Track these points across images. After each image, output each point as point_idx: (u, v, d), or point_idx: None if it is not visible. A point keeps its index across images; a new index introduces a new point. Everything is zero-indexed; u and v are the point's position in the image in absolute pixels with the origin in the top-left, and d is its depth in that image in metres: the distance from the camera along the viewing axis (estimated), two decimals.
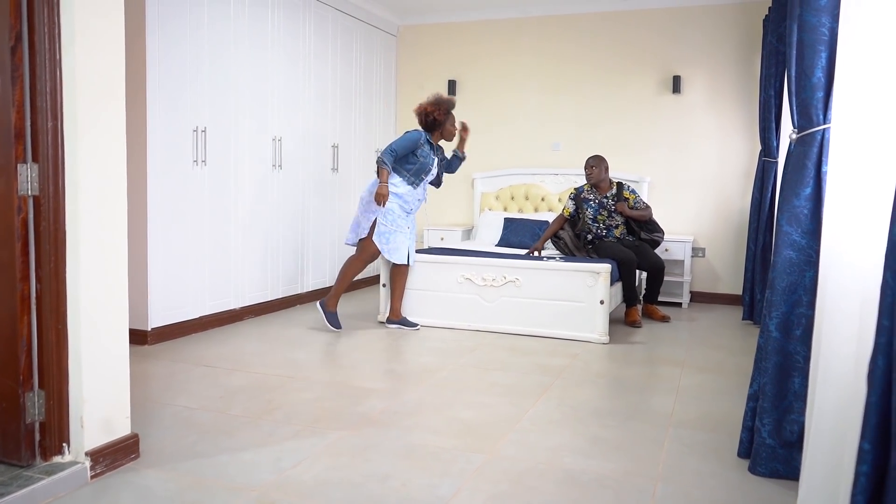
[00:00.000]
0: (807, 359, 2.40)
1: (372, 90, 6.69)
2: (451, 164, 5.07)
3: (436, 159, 4.83)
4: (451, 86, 6.89)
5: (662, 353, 4.37)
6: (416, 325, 4.91)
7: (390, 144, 4.67)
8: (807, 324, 2.41)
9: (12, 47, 2.23)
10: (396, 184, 4.70)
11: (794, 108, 2.88)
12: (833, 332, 1.92)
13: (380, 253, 4.74)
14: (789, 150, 3.07)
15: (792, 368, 2.45)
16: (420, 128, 4.81)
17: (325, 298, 4.82)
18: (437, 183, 5.02)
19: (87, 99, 2.35)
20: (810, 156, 2.40)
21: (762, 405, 2.49)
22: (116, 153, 2.47)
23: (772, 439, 2.47)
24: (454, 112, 4.90)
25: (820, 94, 2.35)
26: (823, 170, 2.36)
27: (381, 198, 4.58)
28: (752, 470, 2.52)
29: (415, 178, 4.73)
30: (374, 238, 4.69)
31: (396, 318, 4.93)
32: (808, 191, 2.40)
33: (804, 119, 2.43)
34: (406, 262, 4.80)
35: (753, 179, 5.60)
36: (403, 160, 4.71)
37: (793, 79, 2.99)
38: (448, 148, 5.42)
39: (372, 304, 5.73)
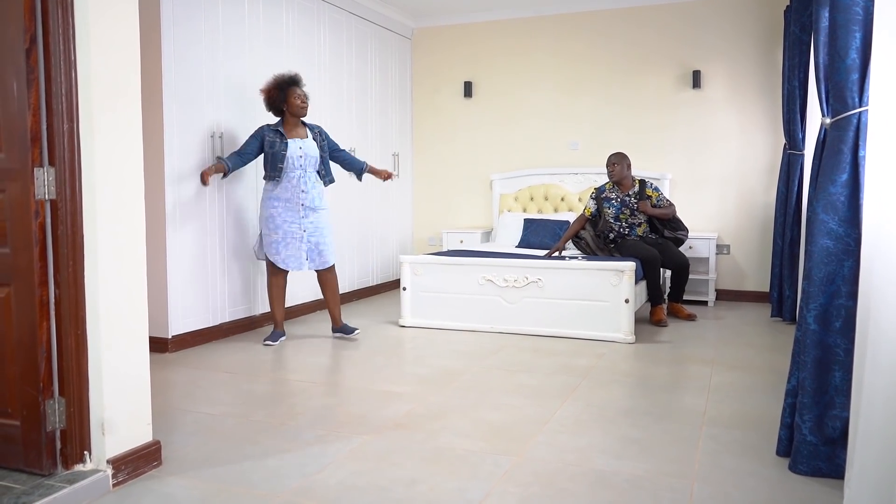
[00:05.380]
0: (848, 351, 2.31)
1: (387, 93, 6.65)
2: (347, 159, 4.77)
3: (290, 143, 4.37)
4: (467, 87, 6.84)
5: (690, 352, 4.27)
6: (354, 329, 4.68)
7: None
8: (847, 315, 2.32)
9: (27, 49, 2.20)
10: (269, 189, 4.40)
11: (826, 93, 2.80)
12: (881, 322, 1.83)
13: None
14: (822, 136, 2.97)
15: (832, 362, 2.35)
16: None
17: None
18: (322, 173, 4.57)
19: (102, 101, 2.31)
20: (846, 140, 2.31)
21: (802, 401, 2.39)
22: (133, 155, 2.44)
23: (813, 436, 2.37)
24: (297, 87, 4.46)
25: (855, 76, 2.26)
26: (861, 154, 2.27)
27: (203, 175, 4.30)
28: (793, 468, 2.43)
29: (273, 171, 4.35)
30: (266, 251, 4.42)
31: (337, 327, 4.69)
32: (845, 177, 2.31)
33: (838, 103, 2.33)
34: (302, 269, 4.51)
35: (778, 174, 5.49)
36: (263, 163, 4.44)
37: (822, 64, 2.91)
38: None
39: (393, 309, 5.67)
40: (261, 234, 4.48)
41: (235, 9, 4.67)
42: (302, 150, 4.42)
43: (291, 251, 4.42)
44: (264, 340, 4.50)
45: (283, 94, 4.40)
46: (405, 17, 6.84)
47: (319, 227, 4.50)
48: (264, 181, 4.48)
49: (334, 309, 4.68)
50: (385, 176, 4.88)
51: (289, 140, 4.40)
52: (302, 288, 5.44)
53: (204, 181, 4.32)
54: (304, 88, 4.51)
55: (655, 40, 6.24)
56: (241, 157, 4.40)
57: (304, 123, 4.55)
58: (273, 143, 4.37)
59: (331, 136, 4.71)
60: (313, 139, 4.52)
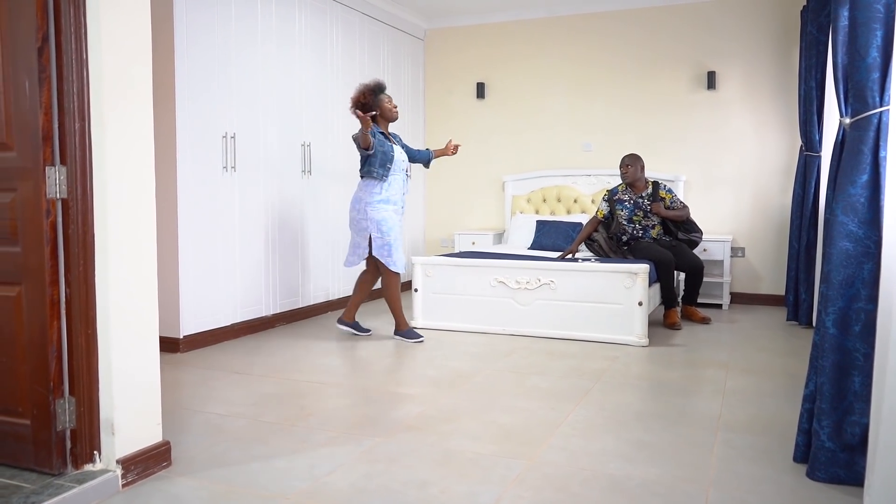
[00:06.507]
0: (867, 356, 2.26)
1: (400, 94, 6.63)
2: (417, 154, 4.81)
3: (394, 146, 4.48)
4: (480, 88, 6.82)
5: (705, 356, 4.22)
6: (368, 330, 4.76)
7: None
8: (866, 319, 2.27)
9: (39, 48, 2.20)
10: (377, 192, 4.39)
11: (846, 92, 2.75)
12: None
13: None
14: (841, 136, 2.92)
15: (851, 367, 2.31)
16: None
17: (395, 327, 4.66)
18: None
19: (114, 100, 2.31)
20: (866, 140, 2.26)
21: (820, 406, 2.35)
22: (144, 155, 2.43)
23: (831, 442, 2.33)
24: (387, 93, 4.54)
25: (876, 75, 2.22)
26: (882, 155, 2.22)
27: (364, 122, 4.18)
28: (811, 475, 2.38)
29: (382, 169, 4.36)
30: (375, 252, 4.42)
31: (349, 321, 4.75)
32: (865, 178, 2.27)
33: (858, 102, 2.29)
34: (401, 271, 4.54)
35: (794, 175, 5.42)
36: (366, 162, 4.41)
37: (840, 63, 2.86)
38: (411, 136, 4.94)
39: (404, 310, 5.64)
40: (370, 238, 4.43)
41: (248, 10, 4.67)
42: (401, 155, 4.53)
43: (400, 253, 4.47)
44: (414, 341, 4.53)
45: (377, 100, 4.43)
46: (417, 18, 6.82)
47: (403, 228, 4.65)
48: (366, 181, 4.44)
49: (354, 307, 4.77)
50: (452, 150, 4.86)
51: (393, 145, 4.48)
52: (314, 287, 5.43)
53: (365, 126, 4.19)
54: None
55: (670, 41, 6.19)
56: (375, 140, 4.35)
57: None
58: (383, 142, 4.40)
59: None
60: (400, 146, 4.61)
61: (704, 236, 5.70)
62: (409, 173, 4.64)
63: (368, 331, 4.77)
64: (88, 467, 2.34)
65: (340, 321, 4.78)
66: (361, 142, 4.28)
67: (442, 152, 4.91)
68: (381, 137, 4.41)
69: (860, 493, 2.22)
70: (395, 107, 4.54)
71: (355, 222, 4.52)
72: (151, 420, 2.48)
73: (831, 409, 2.32)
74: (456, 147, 4.87)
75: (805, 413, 2.48)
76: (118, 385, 2.35)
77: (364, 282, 4.73)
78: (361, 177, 4.50)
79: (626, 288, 4.47)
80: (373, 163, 4.38)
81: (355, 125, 5.86)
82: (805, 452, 2.49)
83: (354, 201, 4.51)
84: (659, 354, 4.25)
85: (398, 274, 4.52)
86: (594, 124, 6.49)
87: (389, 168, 4.41)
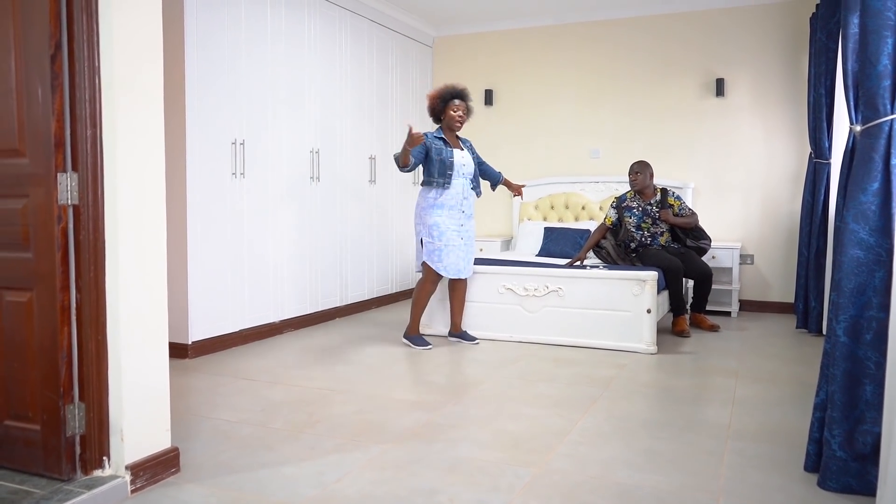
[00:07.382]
0: (879, 365, 2.25)
1: (408, 102, 6.65)
2: (487, 170, 4.86)
3: (454, 152, 4.50)
4: (488, 95, 6.83)
5: (714, 363, 4.20)
6: (474, 339, 4.75)
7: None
8: (878, 327, 2.26)
9: (52, 56, 2.21)
10: (431, 197, 4.47)
11: (856, 100, 2.74)
12: None
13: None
14: (852, 144, 2.92)
15: (863, 375, 2.29)
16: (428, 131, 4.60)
17: (406, 330, 4.69)
18: (473, 185, 4.65)
19: (125, 107, 2.32)
20: (877, 148, 2.26)
21: (831, 415, 2.33)
22: (155, 161, 2.44)
23: (843, 452, 2.31)
24: (465, 101, 4.56)
25: (887, 83, 2.21)
26: (893, 163, 2.22)
27: (415, 139, 4.17)
28: (822, 485, 2.36)
29: (442, 177, 4.43)
30: (425, 257, 4.48)
31: (456, 332, 4.79)
32: (876, 186, 2.26)
33: (869, 110, 2.28)
34: (460, 277, 4.59)
35: (803, 182, 5.41)
36: (425, 168, 4.48)
37: (851, 71, 2.85)
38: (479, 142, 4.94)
39: None
40: (421, 241, 4.51)
41: (259, 20, 4.69)
42: (463, 159, 4.55)
43: (453, 259, 4.49)
44: (422, 348, 4.53)
45: (444, 105, 4.49)
46: (426, 25, 6.85)
47: (471, 235, 4.64)
48: (425, 187, 4.51)
49: (458, 316, 4.78)
50: (517, 191, 4.89)
51: (453, 149, 4.51)
52: (322, 294, 5.44)
53: (414, 139, 4.18)
54: (470, 103, 4.61)
55: (678, 48, 6.18)
56: (416, 158, 4.38)
57: (456, 136, 4.64)
58: (441, 150, 4.45)
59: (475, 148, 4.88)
60: (468, 151, 4.64)
61: (713, 243, 5.68)
62: (473, 180, 4.63)
63: (475, 339, 4.75)
64: (97, 473, 2.34)
65: (452, 335, 4.81)
66: (400, 159, 4.30)
67: (509, 184, 4.91)
68: (441, 144, 4.46)
69: (872, 502, 2.21)
70: (461, 116, 4.53)
71: (415, 227, 4.59)
72: (160, 426, 2.49)
73: (843, 417, 2.31)
74: (521, 192, 4.92)
75: (816, 422, 2.46)
76: (127, 391, 2.36)
77: (451, 290, 4.75)
78: (422, 185, 4.55)
79: (635, 295, 4.46)
80: (431, 172, 4.44)
81: (361, 132, 5.90)
82: (816, 461, 2.47)
83: (415, 208, 4.60)
84: (667, 362, 4.23)
85: (437, 282, 4.55)
86: (602, 131, 6.49)
87: (450, 175, 4.44)
